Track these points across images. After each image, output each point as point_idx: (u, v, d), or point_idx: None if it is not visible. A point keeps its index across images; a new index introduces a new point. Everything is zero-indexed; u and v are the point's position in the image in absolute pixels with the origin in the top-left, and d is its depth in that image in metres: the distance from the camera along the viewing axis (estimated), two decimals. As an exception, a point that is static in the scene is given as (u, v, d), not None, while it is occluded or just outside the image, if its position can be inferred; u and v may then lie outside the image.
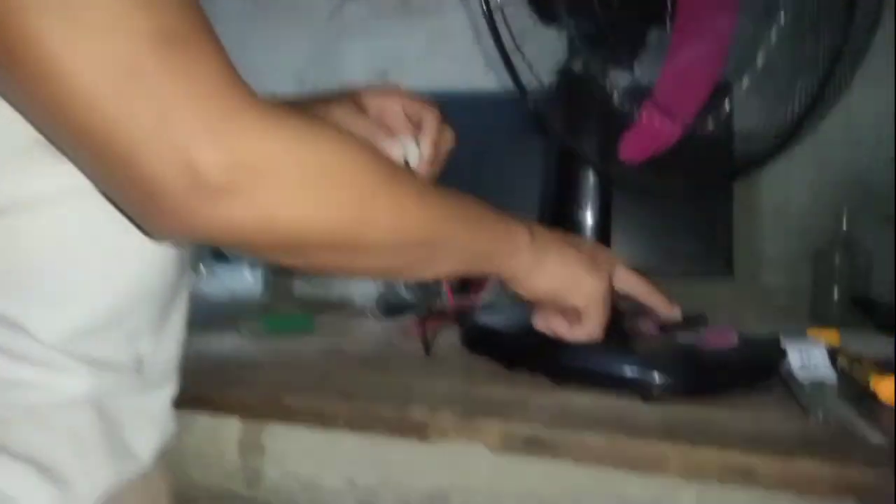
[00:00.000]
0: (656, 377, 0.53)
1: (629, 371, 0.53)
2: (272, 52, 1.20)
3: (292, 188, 0.35)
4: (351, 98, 0.60)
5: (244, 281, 0.86)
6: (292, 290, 1.03)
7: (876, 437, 0.46)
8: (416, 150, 0.58)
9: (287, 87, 1.19)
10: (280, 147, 0.34)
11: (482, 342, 0.65)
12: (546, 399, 0.53)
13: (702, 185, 0.63)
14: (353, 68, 1.19)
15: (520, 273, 0.52)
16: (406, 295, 0.90)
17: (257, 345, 0.71)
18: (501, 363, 0.61)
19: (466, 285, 0.86)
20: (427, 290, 0.89)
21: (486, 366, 0.62)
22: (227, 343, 0.71)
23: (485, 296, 0.81)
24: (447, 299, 0.74)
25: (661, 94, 0.61)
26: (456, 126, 0.63)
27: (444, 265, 0.47)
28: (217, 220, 0.33)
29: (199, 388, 0.56)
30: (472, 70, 1.12)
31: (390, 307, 0.85)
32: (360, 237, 0.39)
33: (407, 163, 0.59)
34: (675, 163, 0.66)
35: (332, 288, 0.92)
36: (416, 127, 0.60)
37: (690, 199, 0.89)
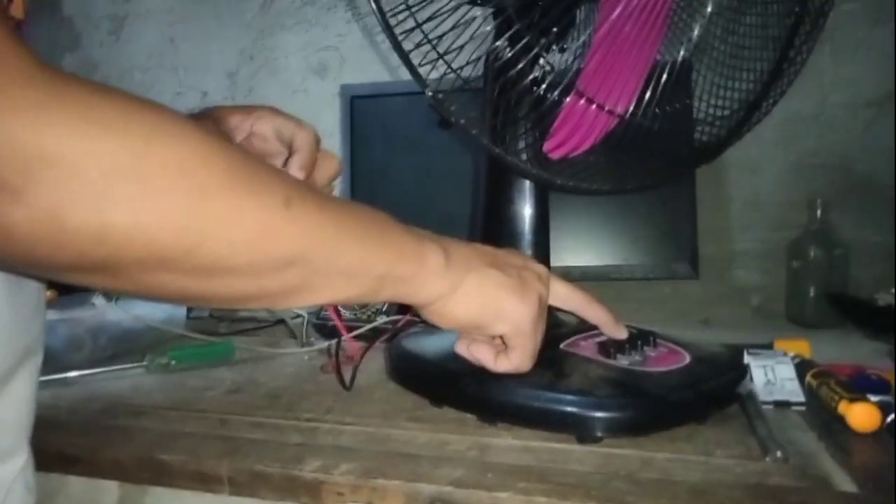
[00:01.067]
0: (595, 416, 0.45)
1: (564, 409, 0.46)
2: (200, 47, 1.12)
3: (99, 185, 0.27)
4: (211, 117, 0.51)
5: (162, 307, 0.78)
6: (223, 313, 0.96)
7: (845, 482, 0.39)
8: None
9: (218, 85, 1.11)
10: (82, 131, 0.26)
11: (406, 373, 0.57)
12: (466, 445, 0.46)
13: (651, 180, 0.55)
14: (288, 63, 1.10)
15: (432, 300, 0.44)
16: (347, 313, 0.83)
17: (160, 382, 0.64)
18: (426, 398, 0.54)
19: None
20: (368, 309, 0.82)
21: (411, 401, 0.55)
22: (124, 383, 0.64)
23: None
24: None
25: (585, 79, 0.53)
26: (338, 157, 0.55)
27: (328, 291, 0.38)
28: None
29: (73, 446, 0.49)
30: (415, 58, 1.05)
31: (326, 329, 0.77)
32: (196, 252, 0.30)
33: None
34: (619, 156, 0.58)
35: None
36: (289, 149, 0.52)
37: (638, 194, 0.81)
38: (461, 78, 0.57)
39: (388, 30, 0.48)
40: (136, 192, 0.28)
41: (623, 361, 0.51)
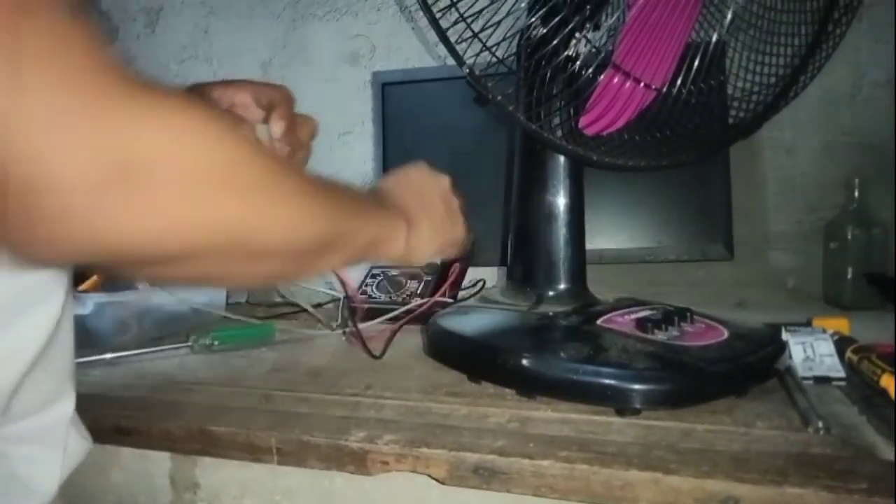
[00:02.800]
0: (634, 388, 0.46)
1: (603, 381, 0.46)
2: (234, 38, 1.13)
3: (180, 187, 0.28)
4: (196, 91, 0.55)
5: (202, 291, 0.80)
6: (266, 295, 0.98)
7: (887, 451, 0.39)
8: (266, 131, 0.54)
9: (251, 75, 1.13)
10: (165, 138, 0.28)
11: (444, 349, 0.58)
12: (506, 417, 0.47)
13: (686, 156, 0.55)
14: (321, 52, 1.12)
15: (399, 255, 0.49)
16: (378, 295, 0.84)
17: (205, 362, 0.66)
18: (464, 373, 0.55)
19: (439, 279, 0.80)
20: (402, 291, 0.83)
21: (448, 377, 0.56)
22: (171, 362, 0.66)
23: (455, 293, 0.75)
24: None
25: (621, 55, 0.53)
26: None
27: (333, 260, 0.42)
28: (89, 230, 0.26)
29: (127, 419, 0.51)
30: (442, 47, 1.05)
31: (359, 312, 0.79)
32: (251, 241, 0.33)
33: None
34: (654, 133, 0.58)
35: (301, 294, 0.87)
36: (268, 113, 0.56)
37: (675, 172, 0.81)
38: (495, 56, 0.58)
39: (426, 7, 0.49)
40: (210, 191, 0.30)
41: (661, 336, 0.52)
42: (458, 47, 0.50)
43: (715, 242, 0.87)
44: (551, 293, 0.61)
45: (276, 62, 1.13)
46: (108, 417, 0.51)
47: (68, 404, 0.42)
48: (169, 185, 0.28)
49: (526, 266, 0.63)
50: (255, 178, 0.32)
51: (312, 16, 1.11)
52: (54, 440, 0.40)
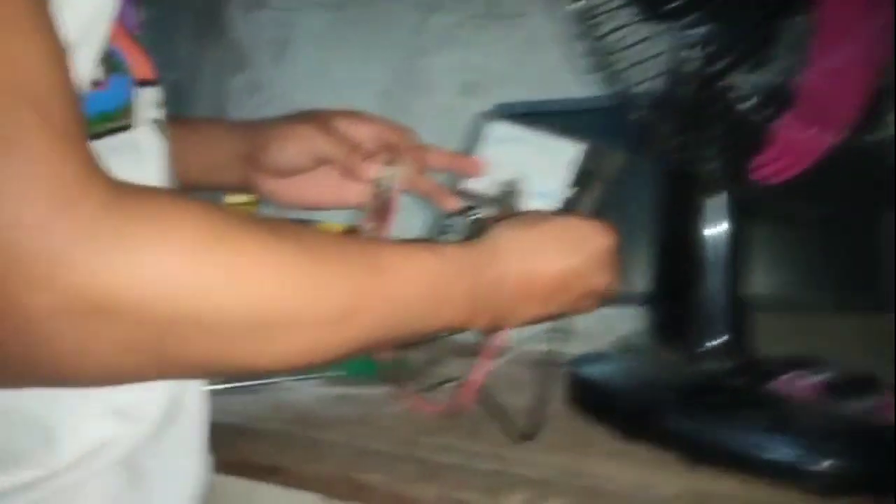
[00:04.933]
0: (823, 462, 0.41)
1: (785, 452, 0.42)
2: (356, 68, 1.16)
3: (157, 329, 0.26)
4: (316, 118, 0.54)
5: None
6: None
7: None
8: (396, 172, 0.51)
9: (371, 104, 1.14)
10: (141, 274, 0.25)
11: (595, 403, 0.55)
12: (675, 488, 0.43)
13: (856, 210, 0.50)
14: (440, 82, 1.12)
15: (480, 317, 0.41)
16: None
17: (337, 394, 0.65)
18: (618, 430, 0.52)
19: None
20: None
21: (597, 433, 0.52)
22: (305, 392, 0.66)
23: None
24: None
25: (807, 98, 0.49)
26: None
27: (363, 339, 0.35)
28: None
29: (271, 456, 0.50)
30: (564, 78, 1.03)
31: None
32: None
33: (384, 190, 0.51)
34: (823, 183, 0.53)
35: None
36: (391, 153, 0.53)
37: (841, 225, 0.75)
38: (654, 95, 0.55)
39: (594, 43, 0.47)
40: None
41: (854, 408, 0.46)
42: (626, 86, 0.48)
43: (872, 291, 0.79)
44: (709, 346, 0.56)
45: (396, 92, 1.14)
46: (248, 451, 0.51)
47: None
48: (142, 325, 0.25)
49: (677, 312, 0.59)
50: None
51: (433, 46, 1.12)
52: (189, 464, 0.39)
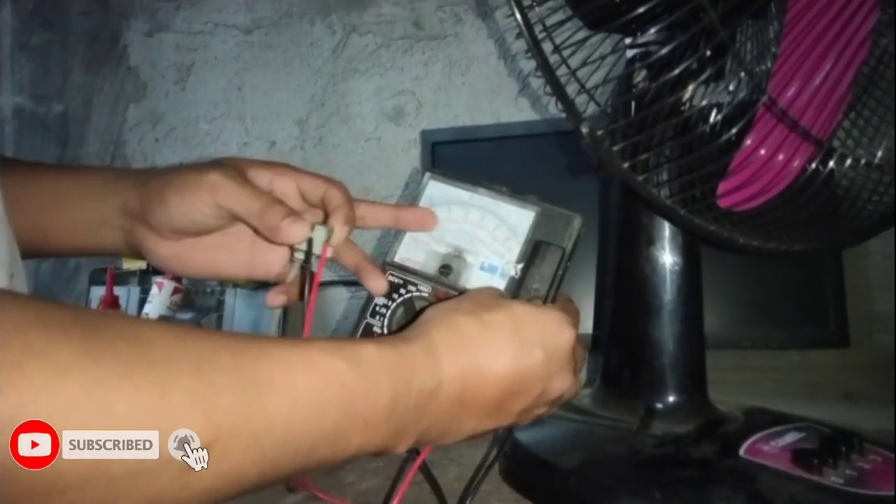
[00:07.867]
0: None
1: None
2: (269, 94, 1.06)
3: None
4: (227, 166, 0.42)
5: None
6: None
7: None
8: (323, 234, 0.40)
9: (286, 134, 1.05)
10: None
11: (532, 482, 0.46)
12: None
13: (842, 241, 0.44)
14: (361, 109, 1.03)
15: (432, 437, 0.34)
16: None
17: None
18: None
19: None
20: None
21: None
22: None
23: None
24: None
25: (776, 116, 0.43)
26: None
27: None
28: None
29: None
30: (498, 101, 0.97)
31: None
32: None
33: (308, 254, 0.40)
34: (788, 212, 0.47)
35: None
36: (322, 208, 0.44)
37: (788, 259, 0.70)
38: (607, 114, 0.47)
39: (546, 67, 0.39)
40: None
41: (835, 479, 0.39)
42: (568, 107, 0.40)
43: (824, 326, 0.74)
44: (662, 405, 0.48)
45: (313, 120, 1.05)
46: None
47: None
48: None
49: (628, 367, 0.51)
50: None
51: (353, 71, 1.03)
52: None
